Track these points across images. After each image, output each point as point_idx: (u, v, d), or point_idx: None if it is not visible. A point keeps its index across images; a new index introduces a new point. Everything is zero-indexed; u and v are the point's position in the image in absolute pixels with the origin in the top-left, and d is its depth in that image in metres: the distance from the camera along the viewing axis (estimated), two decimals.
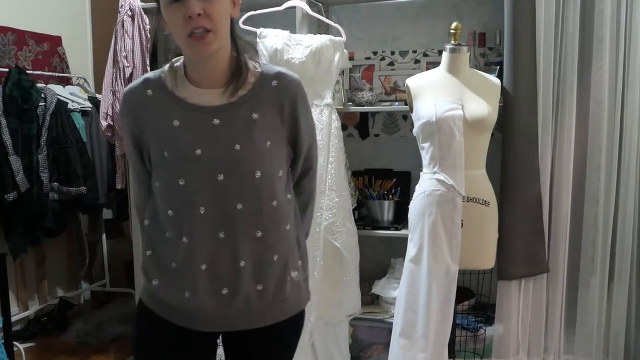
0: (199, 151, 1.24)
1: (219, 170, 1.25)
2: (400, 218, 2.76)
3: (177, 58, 1.35)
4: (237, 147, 1.25)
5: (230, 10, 1.27)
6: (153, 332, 1.36)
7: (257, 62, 1.36)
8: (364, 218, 2.87)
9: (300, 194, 1.46)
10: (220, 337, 1.43)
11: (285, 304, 1.37)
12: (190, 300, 1.29)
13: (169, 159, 1.26)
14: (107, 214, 3.73)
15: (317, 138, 2.50)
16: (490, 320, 2.66)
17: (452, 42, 2.33)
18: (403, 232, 2.64)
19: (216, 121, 1.26)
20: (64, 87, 3.44)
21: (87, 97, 3.51)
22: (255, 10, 2.69)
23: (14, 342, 2.86)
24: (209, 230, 1.26)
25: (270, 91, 1.31)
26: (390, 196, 2.81)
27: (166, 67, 1.35)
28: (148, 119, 1.29)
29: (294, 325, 1.43)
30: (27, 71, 3.17)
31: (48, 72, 3.52)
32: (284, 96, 1.32)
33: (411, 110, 2.40)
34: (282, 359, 1.44)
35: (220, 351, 1.46)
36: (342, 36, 2.61)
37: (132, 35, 2.81)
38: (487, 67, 2.76)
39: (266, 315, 1.35)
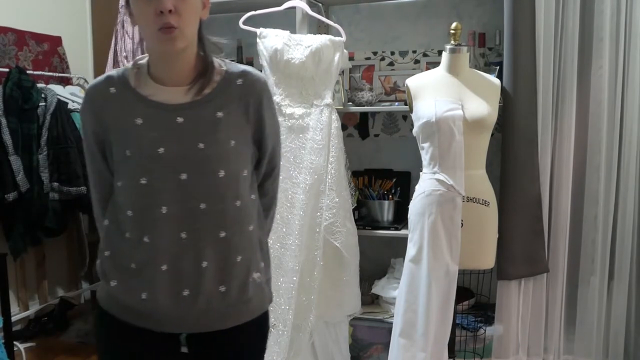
0: (162, 150, 1.22)
1: (182, 169, 1.23)
2: (400, 218, 2.76)
3: (141, 56, 1.34)
4: (201, 145, 1.23)
5: (200, 11, 1.26)
6: (114, 335, 1.34)
7: (223, 61, 1.34)
8: (364, 218, 2.88)
9: (264, 196, 1.45)
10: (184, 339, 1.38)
11: (248, 305, 1.34)
12: (148, 301, 1.27)
13: (131, 157, 1.24)
14: None
15: (317, 138, 2.54)
16: (490, 320, 2.66)
17: (452, 42, 2.34)
18: (403, 232, 2.64)
19: (180, 119, 1.24)
20: (64, 87, 3.44)
21: None
22: (255, 10, 2.69)
23: (14, 342, 2.86)
24: (171, 230, 1.24)
25: (235, 90, 1.29)
26: (390, 196, 2.81)
27: (130, 64, 1.33)
28: (111, 117, 1.27)
29: (257, 328, 1.40)
30: (28, 71, 3.16)
31: (48, 72, 3.51)
32: (249, 95, 1.30)
33: (411, 110, 2.40)
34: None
35: None
36: (342, 36, 2.62)
37: (132, 36, 2.82)
38: (487, 67, 2.76)
39: (229, 317, 1.32)
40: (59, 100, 3.19)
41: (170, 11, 1.17)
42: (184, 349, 1.36)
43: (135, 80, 1.29)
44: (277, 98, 2.60)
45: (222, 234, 1.27)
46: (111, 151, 1.29)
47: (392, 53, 3.04)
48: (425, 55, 2.98)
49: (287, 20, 2.78)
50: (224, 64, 1.33)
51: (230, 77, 1.31)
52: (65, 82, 3.57)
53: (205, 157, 1.24)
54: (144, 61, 1.32)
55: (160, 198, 1.23)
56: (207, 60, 1.30)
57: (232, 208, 1.28)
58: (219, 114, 1.26)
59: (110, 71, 1.33)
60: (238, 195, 1.29)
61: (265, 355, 2.45)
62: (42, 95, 3.15)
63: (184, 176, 1.23)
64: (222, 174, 1.25)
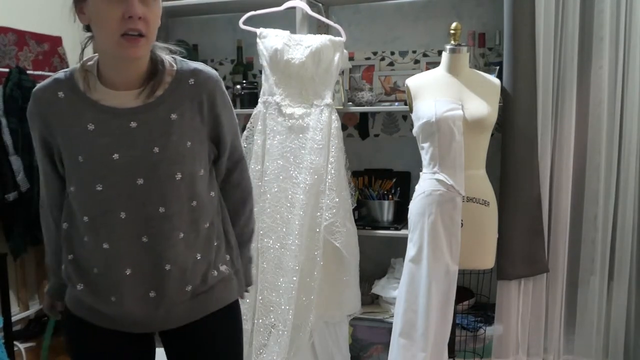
0: (116, 156, 1.20)
1: (138, 174, 1.21)
2: (400, 218, 2.76)
3: (88, 57, 1.30)
4: (156, 149, 1.21)
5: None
6: (84, 337, 1.33)
7: (174, 58, 1.32)
8: (364, 218, 2.88)
9: (235, 188, 1.44)
10: (157, 336, 1.40)
11: (211, 296, 1.34)
12: (117, 304, 1.27)
13: (84, 164, 1.21)
14: None
15: (317, 138, 2.54)
16: (490, 320, 2.66)
17: (452, 42, 2.34)
18: (403, 232, 2.64)
19: (133, 124, 1.22)
20: None
21: None
22: (255, 11, 2.69)
23: (14, 342, 2.86)
24: (130, 234, 1.23)
25: (187, 89, 1.27)
26: (390, 196, 2.81)
27: (77, 66, 1.29)
28: (59, 122, 1.24)
29: (228, 316, 1.40)
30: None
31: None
32: (201, 94, 1.28)
33: (411, 110, 2.40)
34: (224, 354, 1.40)
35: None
36: (342, 36, 2.61)
37: None
38: (487, 67, 2.76)
39: (194, 310, 1.32)
40: None
41: (139, 18, 1.15)
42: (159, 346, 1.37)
43: (84, 83, 1.25)
44: (277, 98, 2.60)
45: (181, 235, 1.26)
46: (60, 156, 1.27)
47: (392, 53, 3.04)
48: (425, 55, 2.98)
49: (287, 20, 2.78)
50: (174, 62, 1.31)
51: (182, 77, 1.28)
52: None
53: (161, 161, 1.22)
54: (92, 62, 1.28)
55: (117, 204, 1.22)
56: (157, 61, 1.28)
57: (188, 209, 1.27)
58: (173, 115, 1.24)
59: (57, 73, 1.29)
60: (194, 196, 1.28)
61: (265, 355, 2.45)
62: None
63: (140, 181, 1.21)
64: (179, 176, 1.24)
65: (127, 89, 1.25)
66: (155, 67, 1.26)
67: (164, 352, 1.42)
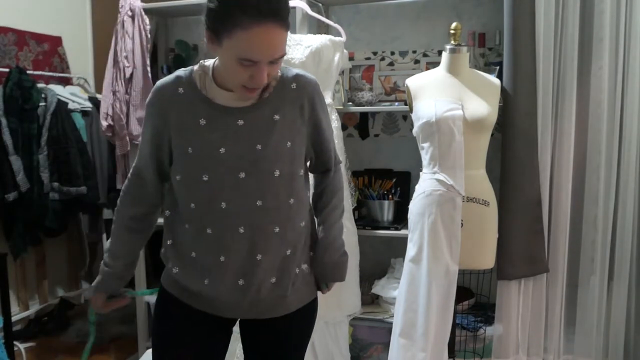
0: (222, 150, 1.30)
1: (240, 168, 1.31)
2: (400, 218, 2.76)
3: (207, 60, 1.39)
4: (259, 147, 1.31)
5: None
6: (172, 312, 1.44)
7: None
8: (364, 218, 2.88)
9: (325, 189, 1.52)
10: (237, 325, 1.51)
11: (296, 294, 1.44)
12: (210, 287, 1.37)
13: (193, 154, 1.32)
14: (107, 214, 3.73)
15: None
16: (490, 320, 2.66)
17: (452, 42, 2.34)
18: (403, 232, 2.65)
19: (240, 122, 1.32)
20: (64, 87, 3.44)
21: (87, 97, 3.51)
22: None
23: (15, 342, 2.86)
24: (229, 224, 1.33)
25: (290, 93, 1.36)
26: (390, 196, 2.81)
27: (196, 66, 1.39)
28: (175, 116, 1.34)
29: (306, 315, 1.50)
30: (28, 71, 3.17)
31: (48, 72, 3.52)
32: (302, 97, 1.37)
33: (411, 110, 2.40)
34: (295, 347, 1.51)
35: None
36: (342, 36, 2.62)
37: (133, 36, 2.82)
38: (487, 67, 2.76)
39: (279, 306, 1.42)
40: (59, 100, 3.20)
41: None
42: (236, 330, 1.50)
43: (201, 82, 1.36)
44: None
45: (277, 229, 1.36)
46: (169, 146, 1.37)
47: (392, 53, 3.04)
48: (425, 55, 2.98)
49: None
50: (279, 69, 1.39)
51: (285, 82, 1.37)
52: (66, 82, 3.58)
53: (262, 157, 1.32)
54: (209, 64, 1.37)
55: (220, 194, 1.32)
56: None
57: (286, 205, 1.36)
58: (276, 116, 1.33)
59: (179, 71, 1.39)
60: (292, 194, 1.37)
61: None
62: (42, 95, 3.15)
63: (242, 175, 1.31)
64: (277, 173, 1.33)
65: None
66: None
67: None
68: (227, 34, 1.20)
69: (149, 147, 1.41)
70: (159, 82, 1.40)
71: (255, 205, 1.32)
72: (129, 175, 1.50)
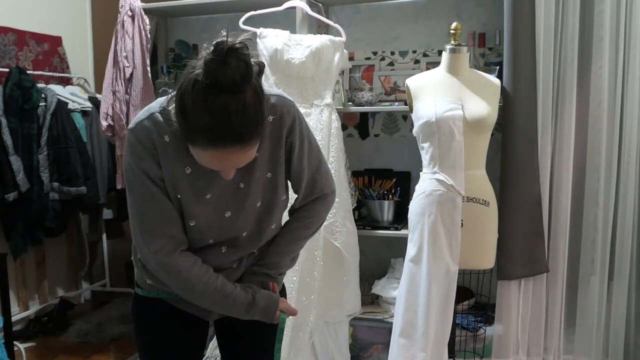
0: (209, 195, 1.31)
1: (226, 208, 1.33)
2: (400, 218, 2.76)
3: (169, 102, 1.28)
4: (242, 185, 1.33)
5: None
6: (148, 307, 1.46)
7: None
8: (364, 218, 2.88)
9: (310, 217, 1.47)
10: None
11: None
12: (183, 301, 1.41)
13: (181, 200, 1.31)
14: (107, 214, 3.73)
15: (317, 138, 2.52)
16: (490, 320, 2.66)
17: (452, 42, 2.34)
18: (403, 232, 2.64)
19: None
20: (64, 87, 3.44)
21: (87, 97, 3.51)
22: (255, 10, 2.69)
23: (14, 342, 2.86)
24: (214, 248, 1.37)
25: (267, 127, 1.30)
26: (390, 196, 2.81)
27: (169, 107, 1.27)
28: (165, 163, 1.28)
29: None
30: (28, 71, 3.17)
31: (48, 72, 3.52)
32: (282, 128, 1.33)
33: (411, 110, 2.40)
34: (266, 331, 1.50)
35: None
36: (342, 36, 2.62)
37: (133, 36, 2.82)
38: (487, 67, 2.76)
39: None
40: (59, 100, 3.20)
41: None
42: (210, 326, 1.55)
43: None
44: None
45: (256, 252, 1.43)
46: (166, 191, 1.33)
47: (392, 53, 3.04)
48: (425, 55, 2.98)
49: (287, 20, 2.78)
50: None
51: None
52: (66, 82, 3.58)
53: (246, 195, 1.34)
54: (172, 109, 1.29)
55: (207, 235, 1.35)
56: None
57: (268, 231, 1.41)
58: (256, 154, 1.28)
59: (155, 115, 1.26)
60: (273, 219, 1.41)
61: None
62: (42, 96, 3.15)
63: (228, 214, 1.34)
64: (259, 204, 1.37)
65: None
66: None
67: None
68: (190, 144, 1.17)
69: (157, 187, 1.30)
70: (144, 130, 1.26)
71: (241, 236, 1.38)
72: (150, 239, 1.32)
